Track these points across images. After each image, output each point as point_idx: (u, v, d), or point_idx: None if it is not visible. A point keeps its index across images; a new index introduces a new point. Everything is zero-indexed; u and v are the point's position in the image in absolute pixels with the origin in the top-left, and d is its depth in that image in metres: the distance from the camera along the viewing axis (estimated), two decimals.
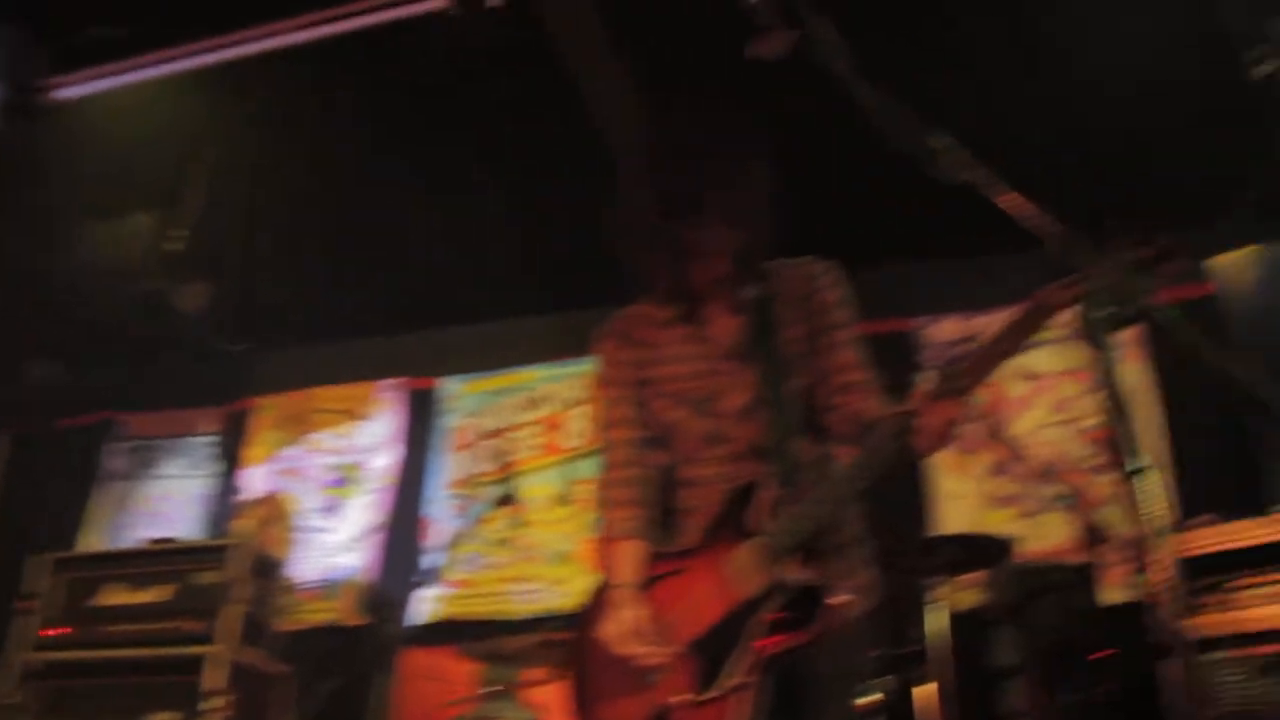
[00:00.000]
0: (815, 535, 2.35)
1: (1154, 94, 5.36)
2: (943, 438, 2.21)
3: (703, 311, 2.63)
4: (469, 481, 6.96)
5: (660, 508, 2.66)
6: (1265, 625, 3.95)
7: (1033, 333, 2.18)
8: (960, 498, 6.24)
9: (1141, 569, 4.13)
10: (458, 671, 5.72)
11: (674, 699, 2.36)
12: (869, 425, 2.40)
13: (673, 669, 2.39)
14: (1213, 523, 4.22)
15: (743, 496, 2.44)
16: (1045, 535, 6.00)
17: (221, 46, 4.85)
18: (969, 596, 5.81)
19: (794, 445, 2.50)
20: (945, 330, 6.65)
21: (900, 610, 4.67)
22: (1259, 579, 4.01)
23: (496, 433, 7.05)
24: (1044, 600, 4.45)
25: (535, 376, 7.17)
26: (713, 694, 2.31)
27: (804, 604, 2.30)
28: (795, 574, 2.33)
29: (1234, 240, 6.03)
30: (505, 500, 4.50)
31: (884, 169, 5.54)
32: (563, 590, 6.38)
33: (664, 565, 2.52)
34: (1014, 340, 2.17)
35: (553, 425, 7.01)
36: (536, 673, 4.91)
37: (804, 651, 2.34)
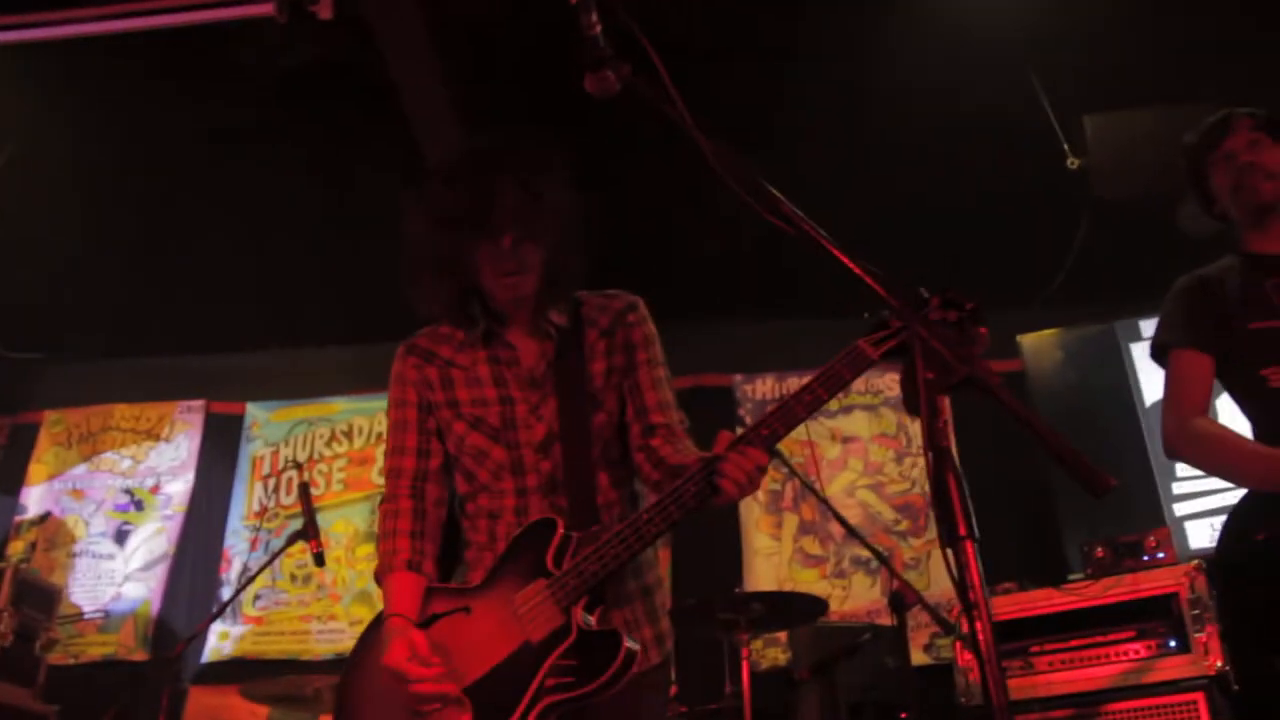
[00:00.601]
0: (610, 579, 2.24)
1: (973, 176, 5.59)
2: (746, 486, 2.12)
3: (506, 334, 2.50)
4: (269, 513, 6.65)
5: (447, 541, 2.52)
6: (1060, 690, 4.08)
7: (841, 384, 2.10)
8: (771, 555, 6.33)
9: (947, 632, 4.18)
10: (245, 714, 5.43)
11: None
12: (673, 470, 2.30)
13: (449, 711, 2.22)
14: (1013, 591, 4.35)
15: (536, 533, 2.31)
16: (852, 595, 6.13)
17: (23, 25, 4.47)
18: (777, 653, 5.87)
19: (594, 482, 2.42)
20: (761, 387, 6.77)
21: (709, 665, 4.65)
22: (1056, 645, 4.15)
23: (301, 464, 6.77)
24: (851, 660, 4.48)
25: (343, 408, 6.94)
26: None
27: (594, 651, 2.18)
28: (586, 618, 2.22)
29: (1040, 322, 6.32)
30: (307, 535, 4.25)
31: (707, 228, 5.79)
32: None
33: (447, 602, 2.36)
34: (824, 389, 2.08)
35: (360, 460, 6.78)
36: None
37: (592, 703, 2.24)
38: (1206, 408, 2.83)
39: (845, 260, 1.85)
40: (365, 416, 6.84)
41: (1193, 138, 3.00)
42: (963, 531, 1.61)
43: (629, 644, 2.18)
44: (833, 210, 5.61)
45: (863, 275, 1.83)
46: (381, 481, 6.66)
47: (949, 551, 1.63)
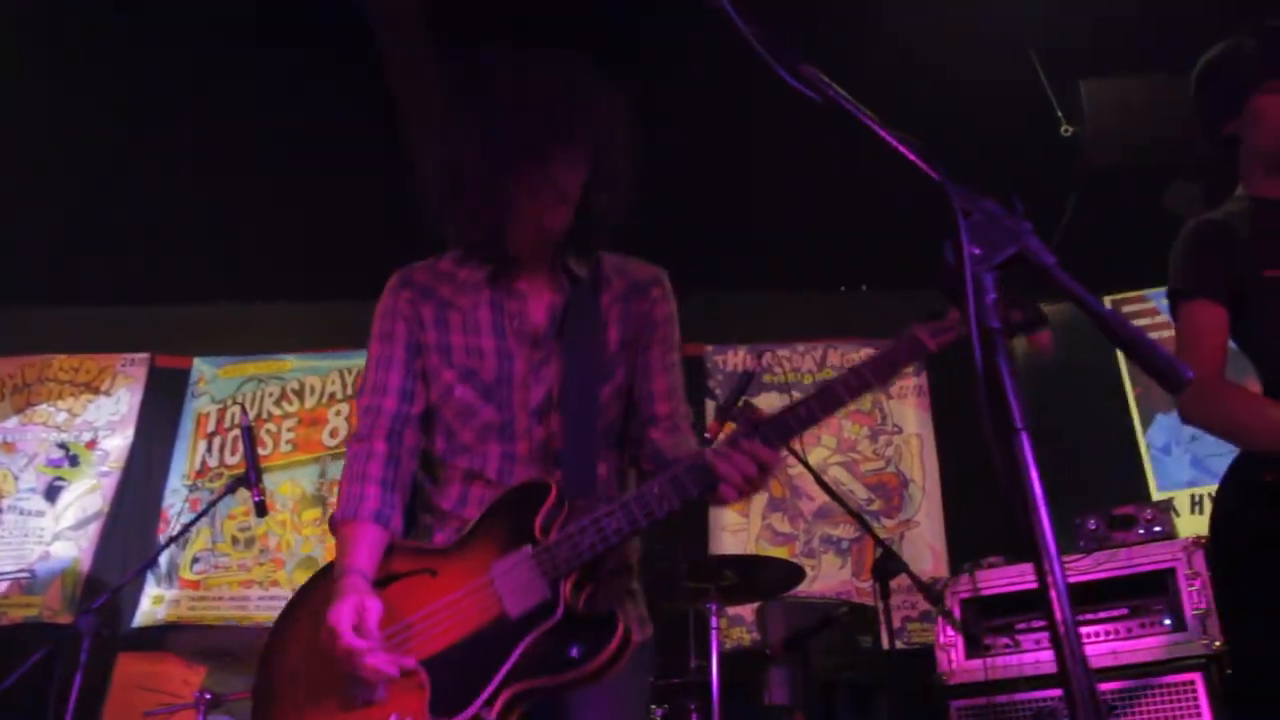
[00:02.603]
0: (599, 558, 1.97)
1: (961, 146, 5.40)
2: (753, 487, 1.90)
3: (517, 280, 2.23)
4: (212, 472, 6.33)
5: (418, 497, 2.24)
6: (1049, 669, 3.83)
7: (895, 373, 1.90)
8: (738, 530, 6.11)
9: (932, 603, 3.96)
10: (178, 680, 5.11)
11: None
12: (675, 461, 2.04)
13: (400, 685, 1.94)
14: (1000, 564, 4.13)
15: (524, 496, 2.04)
16: (821, 576, 5.91)
17: None
18: (742, 633, 5.65)
19: (594, 458, 2.14)
20: (733, 359, 6.56)
21: (676, 637, 4.41)
22: (1045, 622, 3.91)
23: (247, 425, 6.44)
24: (824, 637, 4.25)
25: (295, 366, 6.62)
26: None
27: (581, 634, 1.91)
28: (576, 596, 1.95)
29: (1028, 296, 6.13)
30: (249, 481, 3.96)
31: (681, 196, 5.59)
32: None
33: (409, 562, 2.08)
34: (875, 376, 1.88)
35: (311, 420, 6.48)
36: None
37: (573, 692, 1.98)
38: (1223, 367, 2.59)
39: (890, 139, 1.58)
40: (318, 376, 6.54)
41: (1252, 46, 2.71)
42: (1019, 423, 1.35)
43: (625, 628, 1.90)
44: (817, 175, 5.50)
45: (908, 153, 1.57)
46: (333, 444, 6.45)
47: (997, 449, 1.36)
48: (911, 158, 1.59)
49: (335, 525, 2.13)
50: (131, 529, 6.19)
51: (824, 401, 1.89)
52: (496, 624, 1.93)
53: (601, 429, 2.18)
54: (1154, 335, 5.88)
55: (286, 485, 6.26)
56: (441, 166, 2.18)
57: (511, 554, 1.97)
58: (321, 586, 2.08)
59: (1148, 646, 3.76)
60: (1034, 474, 1.32)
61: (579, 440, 2.13)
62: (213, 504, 4.40)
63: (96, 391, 6.54)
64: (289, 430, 6.44)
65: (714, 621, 3.89)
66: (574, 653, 1.89)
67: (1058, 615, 1.23)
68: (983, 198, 1.55)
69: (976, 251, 1.47)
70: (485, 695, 1.87)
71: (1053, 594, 1.23)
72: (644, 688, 2.25)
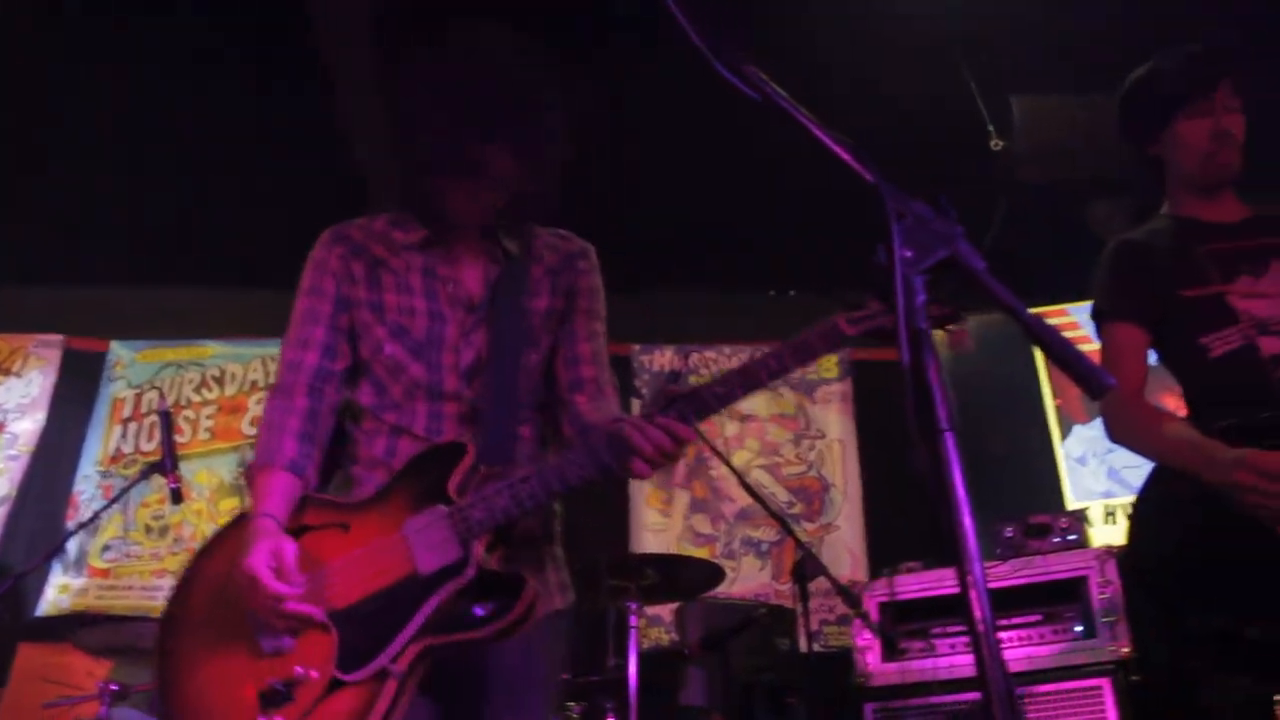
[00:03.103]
0: (512, 521, 2.00)
1: (892, 156, 5.44)
2: (667, 460, 1.91)
3: (451, 247, 2.28)
4: (126, 459, 6.18)
5: (347, 449, 2.24)
6: (963, 673, 3.92)
7: (812, 357, 1.93)
8: (660, 530, 6.12)
9: (851, 606, 4.00)
10: (81, 672, 4.98)
11: (302, 672, 1.91)
12: (592, 428, 2.09)
13: (308, 636, 1.94)
14: (917, 569, 4.19)
15: (441, 456, 2.06)
16: (741, 577, 5.93)
17: None
18: (660, 633, 5.65)
19: (516, 423, 2.17)
20: (660, 359, 6.57)
21: (594, 635, 4.40)
22: (960, 627, 3.99)
23: (165, 410, 6.29)
24: (743, 638, 4.27)
25: (216, 353, 6.49)
26: (354, 676, 1.88)
27: (491, 593, 1.93)
28: (487, 557, 1.96)
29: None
30: (165, 468, 3.87)
31: (610, 194, 5.58)
32: None
33: (322, 515, 2.09)
34: (793, 358, 1.91)
35: (231, 408, 6.36)
36: None
37: (485, 652, 2.03)
38: (1142, 386, 2.66)
39: (827, 140, 1.59)
40: (240, 364, 6.42)
41: (1172, 71, 2.76)
42: (945, 424, 1.36)
43: (534, 590, 1.92)
44: (750, 178, 5.52)
45: (843, 154, 1.58)
46: (254, 433, 6.31)
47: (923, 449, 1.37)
48: (846, 159, 1.60)
49: (251, 474, 2.13)
50: (39, 515, 6.01)
51: (743, 381, 1.93)
52: (407, 580, 1.94)
53: (526, 395, 2.22)
54: None
55: (203, 474, 6.13)
56: (382, 140, 2.24)
57: (425, 512, 1.98)
58: (232, 535, 2.07)
59: (1059, 652, 3.84)
60: (958, 473, 1.33)
61: (503, 405, 2.16)
62: (126, 490, 4.31)
63: (7, 373, 6.35)
64: (208, 418, 6.31)
65: (633, 620, 3.89)
66: (482, 612, 1.91)
67: (977, 614, 1.24)
68: (915, 201, 1.57)
69: (908, 254, 1.49)
70: (393, 649, 1.88)
71: (973, 593, 1.24)
72: (560, 656, 2.27)
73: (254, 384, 6.37)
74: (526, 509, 1.96)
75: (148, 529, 6.00)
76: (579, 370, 2.27)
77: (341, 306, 2.24)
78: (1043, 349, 1.47)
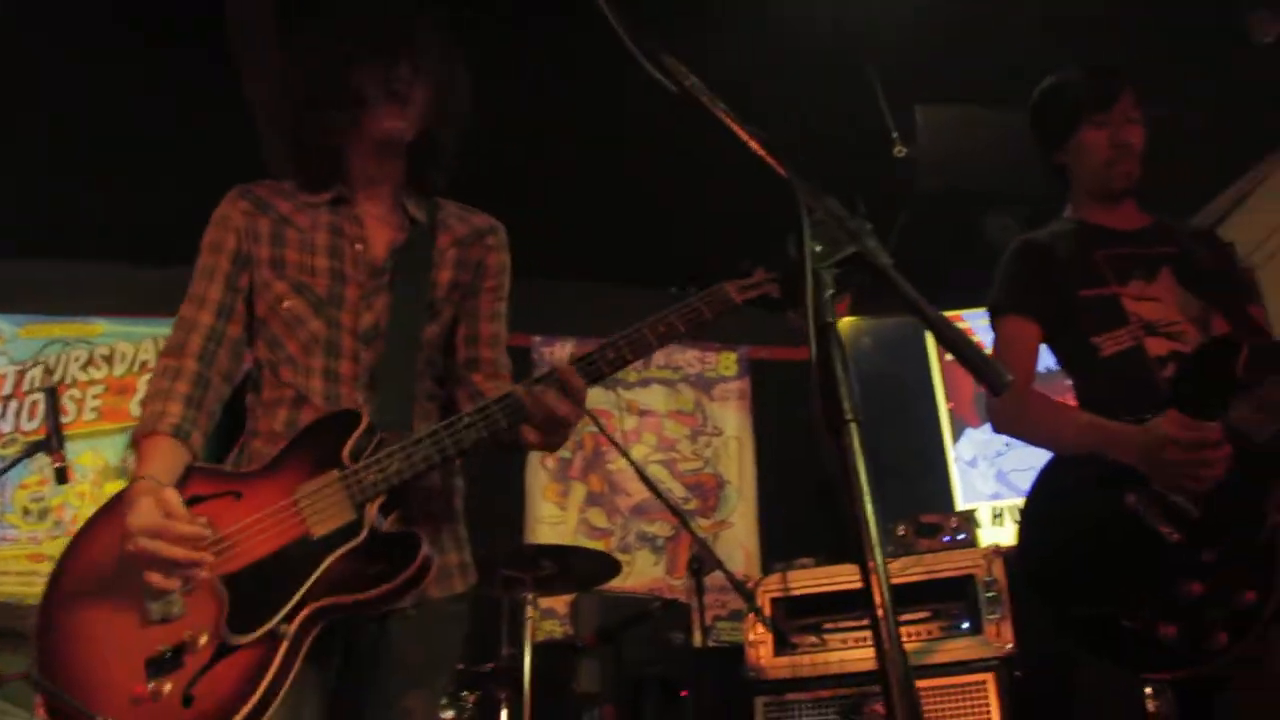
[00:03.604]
0: (417, 495, 2.05)
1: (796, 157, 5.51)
2: (557, 428, 1.95)
3: (356, 208, 2.25)
4: (6, 438, 5.97)
5: (249, 422, 2.21)
6: (853, 668, 4.01)
7: (700, 322, 1.98)
8: (556, 524, 6.13)
9: (746, 600, 4.06)
10: None
11: (191, 635, 1.87)
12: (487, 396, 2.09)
13: (197, 600, 1.90)
14: (810, 565, 4.27)
15: (334, 424, 2.04)
16: (635, 572, 5.97)
17: None
18: (553, 626, 5.66)
19: (412, 391, 2.17)
20: (560, 351, 6.58)
21: (489, 624, 4.40)
22: (851, 622, 4.08)
23: (50, 387, 6.10)
24: (637, 632, 4.31)
25: (105, 330, 6.29)
26: (245, 639, 1.85)
27: (385, 556, 1.92)
28: (380, 519, 1.96)
29: (850, 309, 6.34)
30: (50, 446, 3.76)
31: (518, 186, 5.56)
32: None
33: (212, 484, 2.05)
34: (681, 321, 1.96)
35: (120, 389, 6.17)
36: None
37: (384, 631, 2.03)
38: (1032, 377, 2.78)
39: (743, 134, 1.61)
40: (130, 343, 6.24)
41: (1076, 83, 2.90)
42: (849, 414, 1.39)
43: (427, 550, 1.91)
44: (653, 172, 5.54)
45: (758, 149, 1.61)
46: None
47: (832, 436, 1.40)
48: (761, 153, 1.63)
49: (134, 442, 2.08)
50: None
51: (633, 345, 1.96)
52: (299, 544, 1.93)
53: (422, 365, 2.22)
54: None
55: (88, 455, 5.95)
56: (284, 76, 2.24)
57: (318, 477, 1.97)
58: (114, 510, 2.01)
59: (947, 648, 3.95)
60: (860, 463, 1.36)
61: (399, 373, 2.16)
62: (5, 470, 4.15)
63: None
64: (95, 398, 6.12)
65: (528, 610, 3.91)
66: (375, 571, 1.90)
67: (878, 599, 1.27)
68: (827, 196, 1.60)
69: (817, 248, 1.52)
70: (285, 610, 1.87)
71: (874, 579, 1.28)
72: (459, 638, 2.25)
73: (144, 364, 6.19)
74: (419, 471, 1.95)
75: (25, 511, 5.81)
76: (479, 350, 2.28)
77: (242, 264, 2.20)
78: (945, 345, 1.51)
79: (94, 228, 6.00)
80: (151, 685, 1.84)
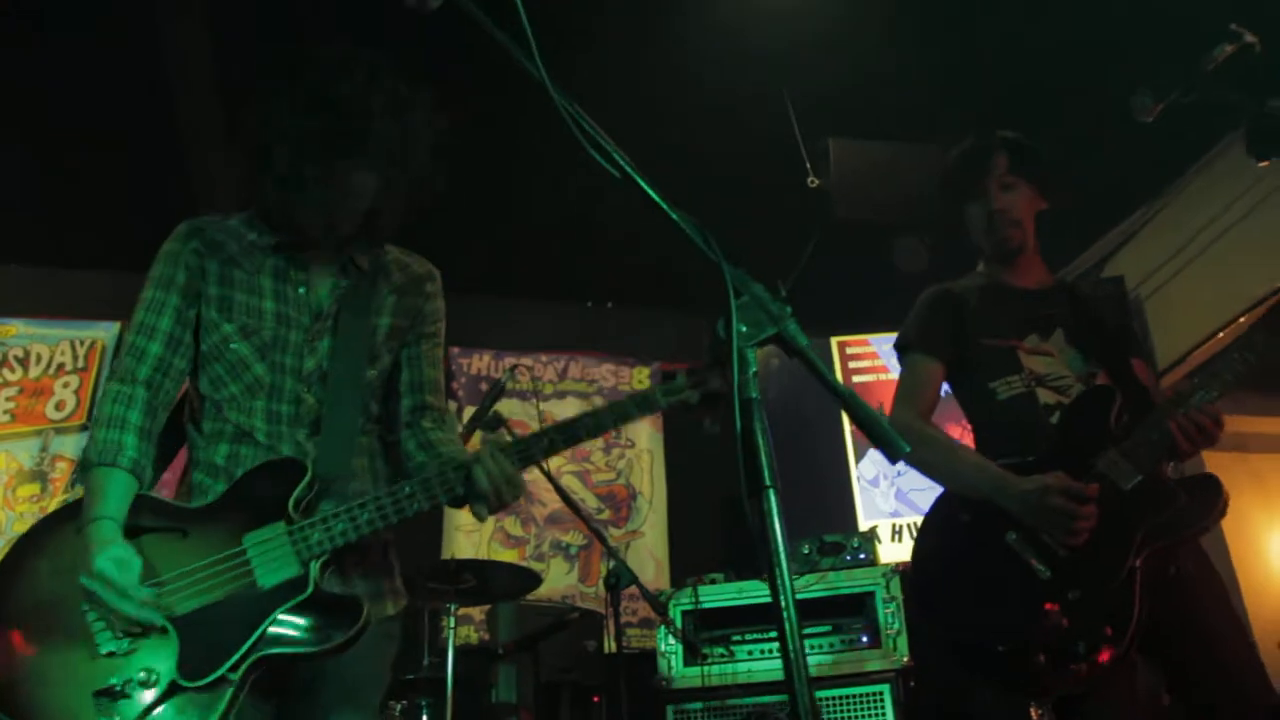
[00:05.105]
0: (350, 544, 2.12)
1: (711, 182, 5.71)
2: (501, 493, 2.14)
3: (304, 255, 2.32)
4: None
5: (190, 453, 2.28)
6: (760, 678, 4.23)
7: (628, 421, 2.25)
8: (471, 531, 6.24)
9: (659, 613, 4.24)
10: None
11: (143, 674, 1.96)
12: (442, 458, 2.26)
13: (149, 642, 2.00)
14: (720, 580, 4.47)
15: (278, 472, 2.15)
16: (549, 580, 6.12)
17: None
18: (470, 631, 5.78)
19: (353, 435, 2.27)
20: (478, 362, 6.70)
21: (410, 635, 4.51)
22: (757, 635, 4.29)
23: None
24: (553, 639, 4.46)
25: (20, 332, 6.27)
26: (195, 685, 1.95)
27: (328, 611, 2.05)
28: (327, 578, 2.09)
29: None
30: None
31: (441, 198, 5.59)
32: None
33: (159, 517, 2.12)
34: (613, 420, 2.20)
35: (34, 391, 6.15)
36: None
37: (318, 663, 2.12)
38: (931, 411, 3.01)
39: (681, 226, 1.80)
40: (46, 345, 6.22)
41: (957, 161, 3.13)
42: (767, 481, 1.59)
43: (367, 615, 2.05)
44: (574, 190, 5.67)
45: (693, 237, 1.79)
46: (59, 416, 6.14)
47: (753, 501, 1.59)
48: (694, 241, 1.81)
49: (88, 466, 2.13)
50: None
51: (565, 436, 2.17)
52: (247, 593, 2.03)
53: (364, 408, 2.32)
54: (872, 376, 6.36)
55: (1, 458, 5.94)
56: (244, 151, 2.24)
57: (266, 528, 2.07)
58: (63, 531, 2.08)
59: (847, 661, 4.19)
60: (778, 524, 1.56)
61: (341, 416, 2.25)
62: None
63: None
64: (8, 400, 6.09)
65: (452, 622, 4.05)
66: (318, 629, 2.02)
67: (788, 645, 1.46)
68: (754, 281, 1.80)
69: (743, 329, 1.73)
70: (234, 659, 1.97)
71: (786, 626, 1.47)
72: (392, 656, 2.37)
73: (61, 367, 6.18)
74: (362, 534, 2.08)
75: None
76: (424, 397, 2.40)
77: (189, 301, 2.27)
78: (850, 415, 1.72)
79: (7, 228, 5.97)
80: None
